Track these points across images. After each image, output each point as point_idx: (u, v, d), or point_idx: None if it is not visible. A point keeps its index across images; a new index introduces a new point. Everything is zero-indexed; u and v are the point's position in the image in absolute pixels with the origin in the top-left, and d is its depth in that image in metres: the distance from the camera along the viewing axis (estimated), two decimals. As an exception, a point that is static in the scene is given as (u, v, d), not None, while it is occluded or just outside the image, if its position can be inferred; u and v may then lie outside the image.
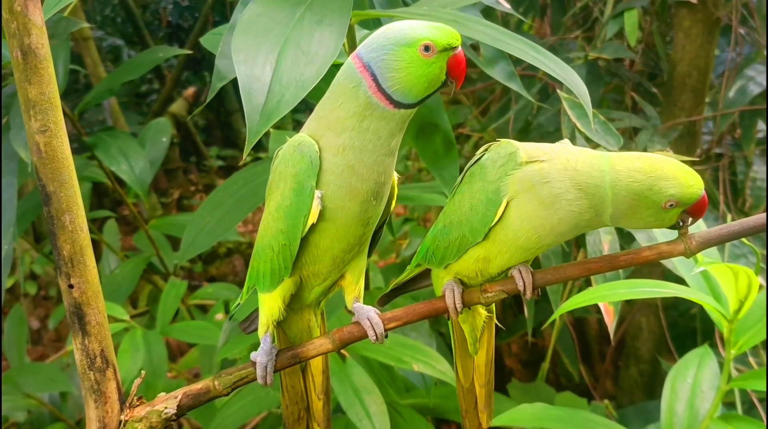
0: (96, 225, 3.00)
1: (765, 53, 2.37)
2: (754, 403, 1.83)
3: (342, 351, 1.66)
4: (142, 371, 0.97)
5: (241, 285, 3.79)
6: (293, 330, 1.07)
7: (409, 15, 1.34)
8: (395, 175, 0.97)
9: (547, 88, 2.44)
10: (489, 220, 0.92)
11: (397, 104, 0.86)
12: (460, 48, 0.87)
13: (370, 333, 0.95)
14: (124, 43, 5.73)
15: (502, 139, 0.96)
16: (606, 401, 2.13)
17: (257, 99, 1.02)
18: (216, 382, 0.92)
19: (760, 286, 1.22)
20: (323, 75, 1.07)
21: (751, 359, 1.88)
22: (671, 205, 0.87)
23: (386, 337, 0.96)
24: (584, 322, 3.02)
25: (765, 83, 2.20)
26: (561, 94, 1.67)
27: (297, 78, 1.04)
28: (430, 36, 0.84)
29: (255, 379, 0.93)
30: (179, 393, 0.91)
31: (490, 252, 0.96)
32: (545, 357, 2.57)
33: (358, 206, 0.89)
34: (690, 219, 0.91)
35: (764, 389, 1.35)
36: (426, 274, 1.10)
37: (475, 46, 1.73)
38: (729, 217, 2.09)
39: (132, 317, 3.04)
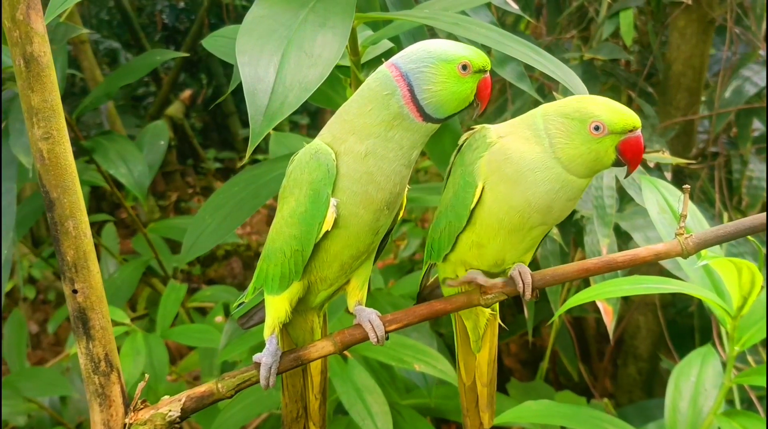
0: (94, 229, 3.00)
1: (760, 53, 2.38)
2: (753, 401, 1.84)
3: (344, 351, 1.67)
4: (146, 375, 0.97)
5: (239, 287, 3.79)
6: (296, 331, 1.08)
7: (410, 17, 1.35)
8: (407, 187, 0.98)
9: (543, 89, 2.45)
10: (469, 203, 0.94)
11: (426, 118, 0.88)
12: (488, 73, 0.91)
13: (371, 335, 0.96)
14: (120, 47, 5.72)
15: (477, 125, 0.98)
16: (605, 399, 2.14)
17: (261, 100, 1.02)
18: (219, 385, 0.93)
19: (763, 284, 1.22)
20: (326, 77, 1.07)
21: (750, 357, 1.89)
22: (597, 129, 0.88)
23: (387, 339, 0.97)
24: (583, 321, 3.03)
25: (760, 83, 2.21)
26: (557, 95, 1.67)
27: (300, 80, 1.05)
28: (468, 56, 0.88)
29: (258, 381, 0.93)
30: (183, 396, 0.92)
31: (481, 237, 0.97)
32: (544, 356, 2.58)
33: (371, 215, 0.91)
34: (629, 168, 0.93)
35: (768, 384, 1.36)
36: None
37: (485, 47, 1.75)
38: (725, 215, 2.10)
39: (133, 320, 3.05)
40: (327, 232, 0.90)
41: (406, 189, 0.97)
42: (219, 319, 2.35)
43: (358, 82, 1.53)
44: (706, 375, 1.49)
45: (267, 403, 1.76)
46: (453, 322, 1.13)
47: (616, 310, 1.58)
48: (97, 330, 0.89)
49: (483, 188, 0.92)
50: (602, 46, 2.33)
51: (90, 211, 3.94)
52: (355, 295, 1.02)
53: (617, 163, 0.92)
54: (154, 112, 5.05)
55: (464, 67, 0.87)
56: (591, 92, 2.32)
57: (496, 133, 0.94)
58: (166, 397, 0.93)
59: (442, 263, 1.05)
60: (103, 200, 4.51)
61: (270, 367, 0.95)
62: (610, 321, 1.57)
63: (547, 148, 0.90)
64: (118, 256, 2.91)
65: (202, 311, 2.98)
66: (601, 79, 2.45)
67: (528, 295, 0.95)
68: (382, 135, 0.88)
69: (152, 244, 2.59)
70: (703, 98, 2.44)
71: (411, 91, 0.87)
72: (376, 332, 0.96)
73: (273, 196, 1.73)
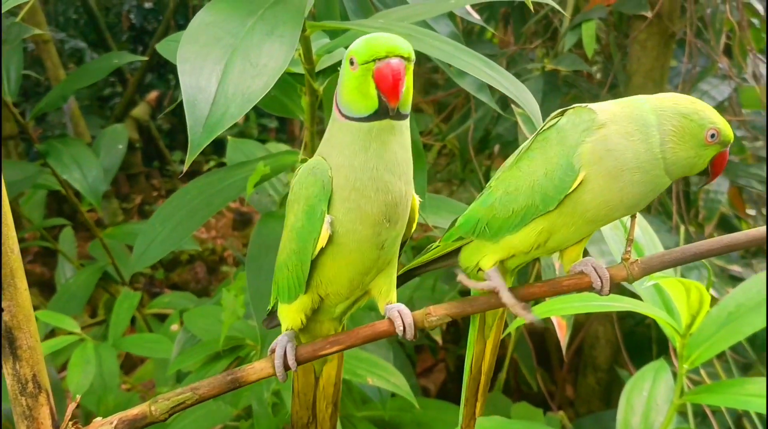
0: (53, 233, 2.94)
1: (719, 66, 2.40)
2: (707, 414, 1.84)
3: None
4: (78, 396, 0.94)
5: (203, 292, 3.73)
6: (312, 339, 1.06)
7: (363, 28, 1.33)
8: (416, 198, 0.95)
9: (506, 98, 2.44)
10: (566, 188, 0.88)
11: (349, 118, 0.84)
12: (391, 59, 0.81)
13: (398, 322, 0.93)
14: (86, 46, 5.63)
15: (578, 104, 0.92)
16: (561, 412, 2.14)
17: (201, 110, 0.99)
18: (153, 408, 0.90)
19: (711, 302, 1.23)
20: (271, 87, 1.05)
21: (703, 371, 1.90)
22: (712, 136, 0.86)
23: (416, 336, 0.94)
24: (544, 329, 3.03)
25: (718, 97, 2.23)
26: (515, 108, 1.67)
27: (243, 90, 1.02)
28: (353, 48, 0.83)
29: (193, 404, 0.90)
30: (115, 419, 0.88)
31: (555, 224, 0.92)
32: (503, 367, 2.57)
33: (369, 229, 0.88)
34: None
35: (716, 403, 1.37)
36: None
37: None
38: (682, 228, 2.11)
39: (90, 326, 2.99)
40: (326, 249, 0.88)
41: (414, 199, 0.94)
42: (174, 327, 2.31)
43: (312, 91, 1.51)
44: (658, 390, 1.49)
45: (218, 415, 1.73)
46: None
47: (569, 324, 1.58)
48: (24, 350, 0.85)
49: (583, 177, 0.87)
50: (563, 58, 2.33)
51: (50, 214, 3.87)
52: (383, 299, 0.98)
53: (701, 173, 0.91)
54: (119, 114, 4.97)
55: (351, 62, 0.82)
56: (553, 103, 2.33)
57: (602, 116, 0.88)
58: (99, 419, 0.90)
59: (484, 243, 0.99)
60: (64, 203, 4.42)
61: (284, 348, 0.94)
62: (563, 335, 1.57)
63: (654, 146, 0.86)
64: (75, 261, 2.85)
65: (163, 317, 2.93)
66: (563, 89, 2.45)
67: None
68: (339, 143, 0.86)
69: (109, 249, 2.55)
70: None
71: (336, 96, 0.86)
72: (404, 322, 0.93)
73: (226, 204, 1.70)
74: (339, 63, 1.54)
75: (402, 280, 1.11)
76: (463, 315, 0.94)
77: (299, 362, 0.95)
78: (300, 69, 1.50)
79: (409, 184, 0.89)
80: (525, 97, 1.21)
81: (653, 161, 0.87)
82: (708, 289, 1.15)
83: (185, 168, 0.96)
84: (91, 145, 2.61)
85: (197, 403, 0.91)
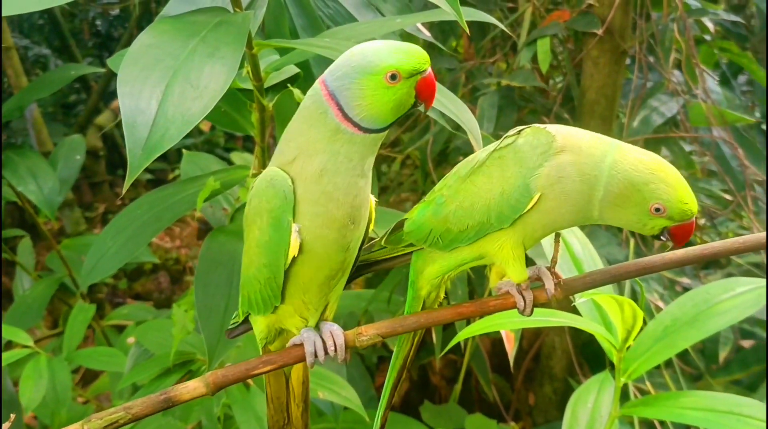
0: (9, 245, 2.91)
1: (672, 80, 2.46)
2: (654, 423, 1.88)
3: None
4: (12, 415, 0.94)
5: (166, 302, 3.72)
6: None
7: (308, 47, 1.35)
8: (372, 199, 0.96)
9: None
10: (521, 207, 0.90)
11: (365, 130, 0.85)
12: (429, 70, 0.86)
13: (329, 343, 0.94)
14: (51, 53, 5.58)
15: (535, 125, 0.94)
16: (513, 424, 2.16)
17: (140, 133, 0.99)
18: (86, 427, 0.90)
19: (644, 319, 1.26)
20: (211, 109, 1.06)
21: (649, 383, 1.94)
22: (657, 211, 0.87)
23: (347, 360, 0.95)
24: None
25: (667, 114, 2.28)
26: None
27: (183, 112, 1.02)
28: (395, 63, 0.83)
29: (126, 423, 0.91)
30: (46, 439, 0.89)
31: (511, 238, 0.94)
32: (459, 378, 2.60)
33: (336, 233, 0.89)
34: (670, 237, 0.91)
35: (651, 416, 1.40)
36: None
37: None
38: (632, 241, 2.15)
39: (48, 337, 2.97)
40: (295, 258, 0.89)
41: (371, 201, 0.95)
42: (131, 339, 2.30)
43: (262, 107, 1.52)
44: (602, 402, 1.51)
45: (169, 430, 1.73)
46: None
47: (517, 337, 1.61)
48: (-46, 371, 0.86)
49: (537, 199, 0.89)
50: (517, 74, 2.37)
51: (12, 223, 3.83)
52: (326, 313, 1.00)
53: (658, 238, 0.92)
54: (83, 121, 4.93)
55: (393, 77, 0.83)
56: (509, 117, 2.37)
57: (560, 142, 0.89)
58: (31, 438, 0.90)
59: (436, 251, 1.00)
60: (25, 211, 4.37)
61: (313, 342, 0.94)
62: (511, 348, 1.59)
63: (594, 197, 0.88)
64: (34, 272, 2.83)
65: (123, 328, 2.92)
66: (519, 103, 2.49)
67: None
68: (328, 150, 0.85)
69: (66, 260, 2.53)
70: (614, 127, 2.50)
71: (341, 109, 0.85)
72: (335, 343, 0.94)
73: (177, 218, 1.70)
74: (290, 80, 1.56)
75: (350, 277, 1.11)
76: (393, 334, 0.95)
77: (228, 383, 0.95)
78: (247, 84, 1.51)
79: (369, 186, 0.91)
80: (466, 118, 1.23)
81: (588, 205, 0.89)
82: (641, 306, 1.18)
83: (124, 189, 0.96)
84: (51, 155, 2.59)
85: (130, 422, 0.91)
